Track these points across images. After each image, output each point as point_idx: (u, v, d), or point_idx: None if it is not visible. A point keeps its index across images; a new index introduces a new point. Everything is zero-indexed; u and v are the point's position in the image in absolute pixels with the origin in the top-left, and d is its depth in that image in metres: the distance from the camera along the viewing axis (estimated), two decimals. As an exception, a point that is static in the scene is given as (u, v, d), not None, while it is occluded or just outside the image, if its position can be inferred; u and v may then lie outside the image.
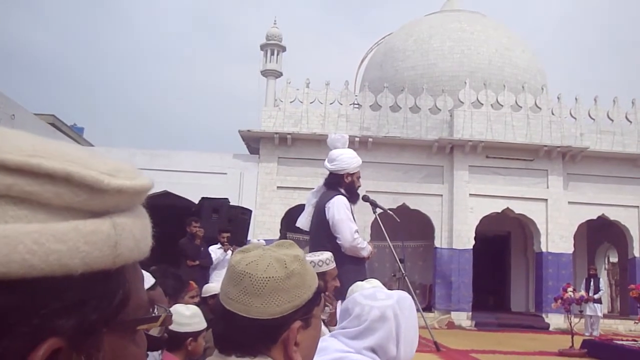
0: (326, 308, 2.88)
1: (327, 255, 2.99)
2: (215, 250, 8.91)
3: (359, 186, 4.49)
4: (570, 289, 12.75)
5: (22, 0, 73.79)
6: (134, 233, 0.49)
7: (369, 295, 1.89)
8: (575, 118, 19.88)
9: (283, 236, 17.88)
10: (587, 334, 14.32)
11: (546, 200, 18.91)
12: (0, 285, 0.40)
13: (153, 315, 0.55)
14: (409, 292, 4.36)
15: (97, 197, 0.45)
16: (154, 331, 0.60)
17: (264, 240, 10.70)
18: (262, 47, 21.23)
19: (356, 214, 4.51)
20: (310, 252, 3.40)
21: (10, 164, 0.41)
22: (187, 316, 2.99)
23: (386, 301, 1.86)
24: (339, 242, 4.16)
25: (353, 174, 4.41)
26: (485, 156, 18.88)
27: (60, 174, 0.43)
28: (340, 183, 4.40)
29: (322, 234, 4.26)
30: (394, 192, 18.40)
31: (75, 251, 0.43)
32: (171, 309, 2.88)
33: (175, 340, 2.84)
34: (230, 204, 11.19)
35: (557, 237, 18.78)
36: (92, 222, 0.45)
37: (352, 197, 4.42)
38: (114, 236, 0.46)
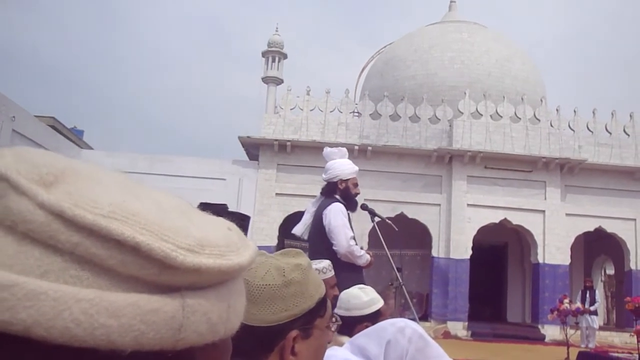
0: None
1: (325, 263, 3.00)
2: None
3: (357, 193, 4.50)
4: (566, 300, 12.79)
5: (24, 1, 73.96)
6: (210, 316, 0.43)
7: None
8: (573, 130, 19.97)
9: (281, 243, 17.90)
10: (582, 345, 14.31)
11: (544, 211, 18.96)
12: (37, 349, 0.37)
13: None
14: (406, 301, 4.40)
15: (168, 273, 0.40)
16: None
17: (258, 246, 10.71)
18: (264, 54, 21.32)
19: (354, 222, 4.53)
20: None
21: (79, 222, 0.38)
22: (364, 301, 2.70)
23: (416, 328, 1.88)
24: (334, 248, 4.18)
25: (347, 180, 4.42)
26: (484, 167, 18.94)
27: (128, 243, 0.39)
28: (335, 190, 4.43)
29: (320, 242, 4.28)
30: (392, 200, 18.43)
31: (128, 329, 0.38)
32: (346, 292, 2.76)
33: (349, 325, 2.50)
34: (229, 209, 11.22)
35: (554, 249, 18.81)
36: (156, 300, 0.40)
37: (350, 204, 4.44)
38: (179, 318, 0.41)
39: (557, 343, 15.53)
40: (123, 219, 0.39)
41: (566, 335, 11.69)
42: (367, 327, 2.37)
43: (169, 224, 0.42)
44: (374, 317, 2.51)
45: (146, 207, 0.42)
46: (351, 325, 2.47)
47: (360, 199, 4.58)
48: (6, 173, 0.39)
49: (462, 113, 19.40)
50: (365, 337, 1.87)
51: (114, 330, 0.38)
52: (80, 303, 0.37)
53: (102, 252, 0.39)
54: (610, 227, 19.26)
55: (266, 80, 20.80)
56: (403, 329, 1.82)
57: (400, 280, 4.61)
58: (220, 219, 0.49)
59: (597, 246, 21.65)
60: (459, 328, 18.03)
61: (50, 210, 0.38)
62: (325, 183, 4.53)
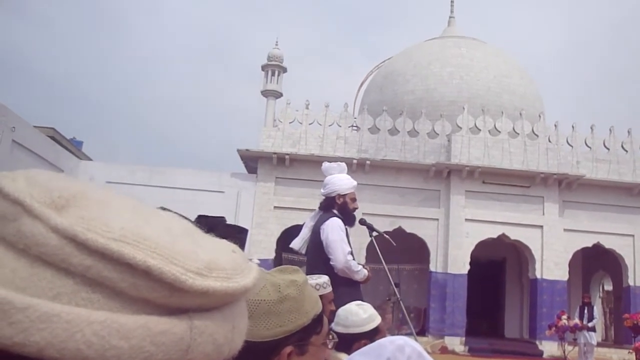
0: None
1: (324, 279, 3.00)
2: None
3: (355, 208, 4.48)
4: (564, 316, 12.74)
5: (24, 12, 74.32)
6: (216, 337, 0.44)
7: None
8: (571, 146, 20.03)
9: (278, 256, 17.87)
10: (580, 362, 14.26)
11: (542, 227, 18.95)
12: None
13: None
14: (404, 316, 4.39)
15: (178, 296, 0.41)
16: None
17: (259, 259, 10.69)
18: (263, 67, 21.43)
19: (352, 236, 4.52)
20: (306, 274, 3.41)
21: (91, 245, 0.39)
22: (363, 318, 2.68)
23: (415, 347, 1.85)
24: (332, 263, 4.17)
25: (345, 195, 4.41)
26: (482, 182, 18.96)
27: (140, 266, 0.40)
28: (333, 205, 4.43)
29: (317, 257, 4.27)
30: (390, 215, 18.43)
31: (138, 350, 0.39)
32: (344, 309, 2.74)
33: (347, 342, 2.46)
34: (227, 222, 11.21)
35: (552, 264, 18.79)
36: (165, 321, 0.41)
37: (347, 218, 4.42)
38: (187, 340, 0.42)
39: (555, 359, 15.47)
40: (134, 243, 0.40)
41: (564, 352, 11.65)
42: (365, 344, 2.32)
43: (179, 247, 0.43)
44: (372, 334, 2.49)
45: (156, 231, 0.43)
46: (349, 343, 2.46)
47: (358, 214, 4.57)
48: (19, 197, 0.40)
49: (461, 128, 19.46)
50: (363, 355, 1.85)
51: (125, 351, 0.39)
52: (92, 325, 0.38)
53: (114, 275, 0.40)
54: (608, 243, 19.24)
55: (265, 93, 20.89)
56: (402, 347, 1.81)
57: (398, 295, 4.59)
58: (225, 241, 0.51)
59: (595, 262, 21.62)
60: (456, 343, 17.94)
61: (63, 233, 0.39)
62: (323, 198, 4.52)
